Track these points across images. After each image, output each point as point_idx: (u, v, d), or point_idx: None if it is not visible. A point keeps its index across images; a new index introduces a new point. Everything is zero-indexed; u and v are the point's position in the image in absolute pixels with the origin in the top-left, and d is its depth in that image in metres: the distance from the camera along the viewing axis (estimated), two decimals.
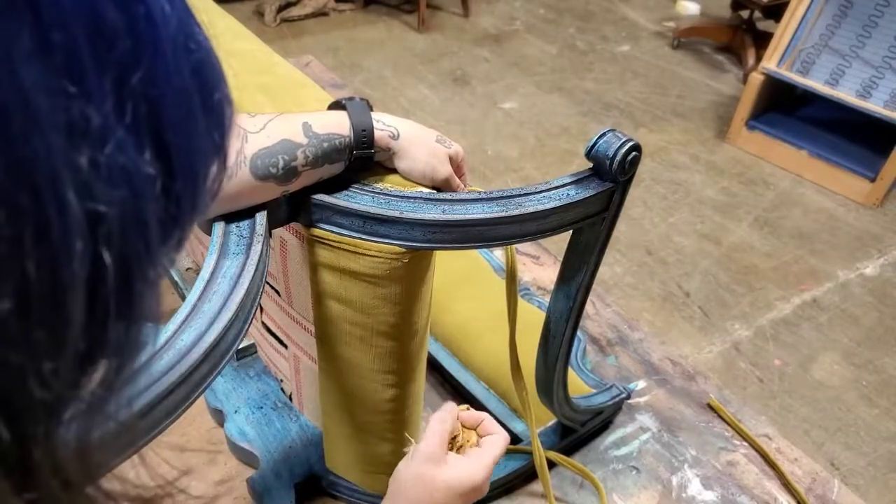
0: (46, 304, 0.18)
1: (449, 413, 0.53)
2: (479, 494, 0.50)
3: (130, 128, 0.19)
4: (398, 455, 0.71)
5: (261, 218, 0.51)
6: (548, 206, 0.52)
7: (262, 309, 0.78)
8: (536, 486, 0.79)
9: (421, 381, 0.68)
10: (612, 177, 0.53)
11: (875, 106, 2.28)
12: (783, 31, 2.42)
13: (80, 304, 0.19)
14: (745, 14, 3.17)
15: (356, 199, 0.52)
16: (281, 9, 3.41)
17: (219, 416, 0.81)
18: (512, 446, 0.79)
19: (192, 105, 0.21)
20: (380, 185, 0.54)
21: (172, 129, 0.20)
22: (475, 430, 0.55)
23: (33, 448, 0.19)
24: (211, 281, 0.45)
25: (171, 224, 0.22)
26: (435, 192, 0.55)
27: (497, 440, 0.54)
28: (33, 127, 0.16)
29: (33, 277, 0.17)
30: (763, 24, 3.17)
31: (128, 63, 0.19)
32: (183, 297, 0.86)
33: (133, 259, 0.20)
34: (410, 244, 0.52)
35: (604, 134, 0.52)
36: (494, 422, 0.55)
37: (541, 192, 0.53)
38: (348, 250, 0.53)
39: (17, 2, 0.16)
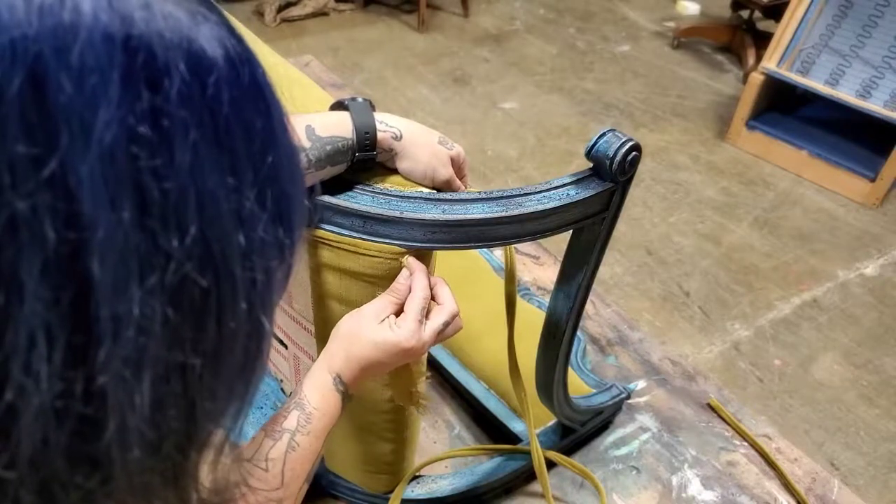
0: (219, 357, 0.23)
1: (402, 285, 0.52)
2: (412, 356, 0.51)
3: (269, 208, 0.23)
4: (398, 455, 0.71)
5: None
6: (548, 206, 0.52)
7: None
8: (536, 486, 0.79)
9: (421, 381, 0.68)
10: (612, 177, 0.53)
11: (875, 106, 2.28)
12: (783, 31, 2.42)
13: (241, 354, 0.24)
14: (745, 14, 3.17)
15: (356, 199, 0.52)
16: (281, 9, 3.41)
17: None
18: (512, 446, 0.79)
19: (297, 173, 0.26)
20: (380, 186, 0.54)
21: (288, 199, 0.25)
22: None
23: (191, 470, 0.24)
24: None
25: (289, 274, 0.26)
26: (435, 192, 0.55)
27: (438, 311, 0.52)
28: (217, 215, 0.21)
29: (211, 334, 0.22)
30: (763, 24, 3.17)
31: (260, 155, 0.23)
32: None
33: (269, 312, 0.25)
34: (410, 244, 0.52)
35: (604, 134, 0.52)
36: (446, 290, 0.53)
37: (541, 192, 0.53)
38: (348, 250, 0.53)
39: (206, 121, 0.20)
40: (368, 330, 0.50)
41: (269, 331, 0.25)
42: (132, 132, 0.18)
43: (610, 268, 2.07)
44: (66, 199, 0.18)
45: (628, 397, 0.87)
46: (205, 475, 0.25)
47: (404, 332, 0.49)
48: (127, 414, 0.20)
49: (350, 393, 0.51)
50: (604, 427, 0.86)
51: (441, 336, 0.52)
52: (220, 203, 0.21)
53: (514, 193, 0.52)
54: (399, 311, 0.52)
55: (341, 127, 0.51)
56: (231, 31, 0.23)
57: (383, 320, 0.50)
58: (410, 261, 0.53)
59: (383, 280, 0.54)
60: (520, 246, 1.11)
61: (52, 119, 0.17)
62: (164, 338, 0.20)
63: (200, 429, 0.23)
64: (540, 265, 1.10)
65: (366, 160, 0.53)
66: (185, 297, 0.20)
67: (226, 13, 0.24)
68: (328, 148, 0.50)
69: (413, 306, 0.51)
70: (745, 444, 0.86)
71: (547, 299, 0.76)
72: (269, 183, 0.23)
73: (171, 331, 0.20)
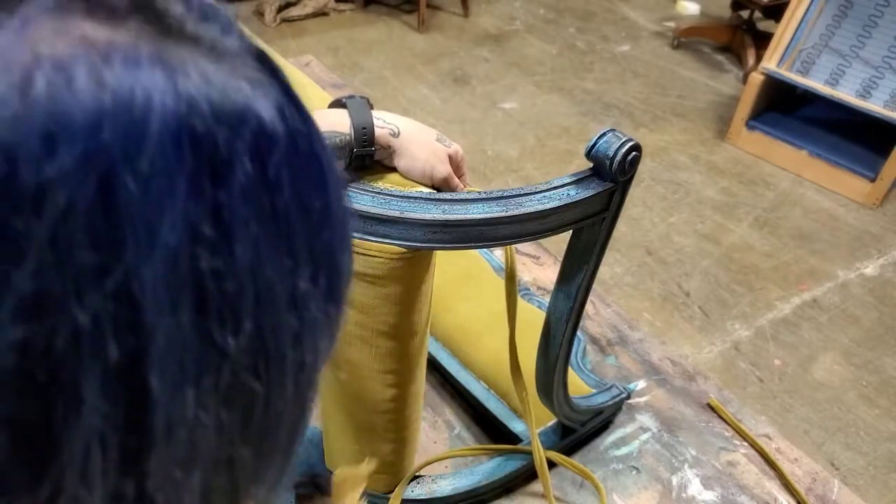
0: (265, 441, 0.22)
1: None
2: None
3: (322, 285, 0.22)
4: (398, 455, 0.71)
5: None
6: (548, 206, 0.52)
7: None
8: (536, 486, 0.79)
9: (421, 381, 0.68)
10: (612, 177, 0.53)
11: (875, 106, 2.28)
12: (783, 31, 2.42)
13: (286, 433, 0.23)
14: (745, 14, 3.17)
15: (356, 199, 0.52)
16: (281, 9, 3.41)
17: None
18: (512, 446, 0.79)
19: (349, 243, 0.25)
20: (380, 185, 0.54)
21: (339, 271, 0.24)
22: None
23: None
24: None
25: (334, 345, 0.26)
26: (435, 192, 0.55)
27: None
28: (272, 303, 0.20)
29: (258, 422, 0.21)
30: (763, 24, 3.17)
31: (317, 232, 0.22)
32: None
33: (315, 388, 0.25)
34: (410, 244, 0.52)
35: (604, 134, 0.52)
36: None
37: (541, 192, 0.52)
38: None
39: (266, 210, 0.19)
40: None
41: (311, 407, 0.25)
42: (196, 232, 0.17)
43: (610, 268, 2.07)
44: (128, 306, 0.17)
45: (628, 397, 0.87)
46: None
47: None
48: None
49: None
50: (604, 427, 0.86)
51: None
52: (275, 290, 0.20)
53: (514, 193, 0.52)
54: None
55: (339, 123, 0.51)
56: (288, 93, 0.21)
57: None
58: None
59: (383, 280, 0.54)
60: (520, 246, 1.10)
61: (118, 226, 0.16)
62: (216, 436, 0.20)
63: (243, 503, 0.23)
64: (540, 265, 1.10)
65: (364, 157, 0.53)
66: (237, 394, 0.20)
67: (280, 63, 0.22)
68: None
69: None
70: (745, 444, 0.86)
71: (547, 299, 0.76)
72: (324, 259, 0.22)
73: (223, 428, 0.20)
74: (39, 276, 0.16)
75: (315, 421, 0.79)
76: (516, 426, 0.82)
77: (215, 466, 0.20)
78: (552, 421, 0.81)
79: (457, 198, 0.52)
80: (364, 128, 0.52)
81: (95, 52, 0.17)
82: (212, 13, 0.20)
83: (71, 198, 0.16)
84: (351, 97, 0.54)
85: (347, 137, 0.52)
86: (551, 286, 0.73)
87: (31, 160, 0.15)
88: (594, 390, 0.85)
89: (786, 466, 0.82)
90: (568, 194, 0.53)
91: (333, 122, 0.51)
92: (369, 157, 0.53)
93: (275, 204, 0.19)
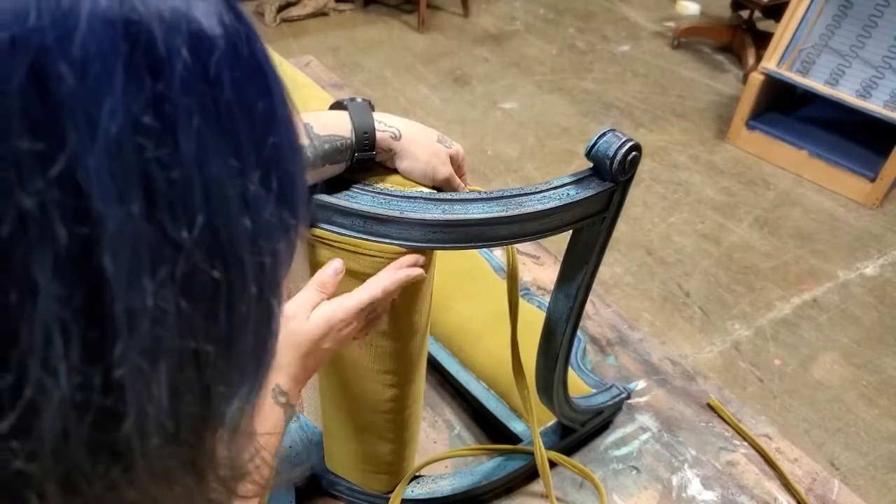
0: (232, 342, 0.23)
1: (330, 278, 0.51)
2: (341, 333, 0.51)
3: (274, 189, 0.23)
4: (398, 455, 0.71)
5: None
6: (548, 206, 0.52)
7: None
8: (536, 486, 0.79)
9: (421, 381, 0.68)
10: (612, 177, 0.53)
11: (875, 106, 2.28)
12: (783, 31, 2.42)
13: (252, 337, 0.24)
14: (745, 14, 3.17)
15: (356, 199, 0.52)
16: (281, 9, 3.41)
17: None
18: (512, 446, 0.79)
19: (298, 151, 0.25)
20: (380, 185, 0.54)
21: (290, 179, 0.24)
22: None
23: (208, 452, 0.24)
24: None
25: (293, 253, 0.26)
26: (435, 192, 0.55)
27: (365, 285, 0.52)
28: (223, 202, 0.21)
29: (223, 321, 0.22)
30: (763, 24, 3.17)
31: (262, 136, 0.22)
32: None
33: (277, 293, 0.25)
34: (410, 244, 0.52)
35: (604, 134, 0.52)
36: (389, 271, 0.52)
37: (541, 192, 0.53)
38: (348, 250, 0.53)
39: (209, 105, 0.20)
40: (303, 323, 0.50)
41: (278, 312, 0.25)
42: (137, 122, 0.18)
43: (610, 268, 2.07)
44: (74, 194, 0.17)
45: (628, 397, 0.87)
46: (221, 452, 0.25)
47: (315, 320, 0.50)
48: (145, 403, 0.20)
49: (292, 402, 0.50)
50: (604, 427, 0.86)
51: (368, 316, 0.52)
52: (225, 189, 0.21)
53: (514, 193, 0.52)
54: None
55: (340, 126, 0.51)
56: (228, 1, 0.22)
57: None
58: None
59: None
60: (520, 246, 1.11)
61: (57, 113, 0.17)
62: (178, 327, 0.20)
63: (215, 412, 0.23)
64: (540, 265, 1.10)
65: (365, 160, 0.53)
66: (196, 286, 0.21)
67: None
68: (326, 147, 0.50)
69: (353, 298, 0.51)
70: (745, 444, 0.86)
71: (547, 299, 0.76)
72: (273, 164, 0.23)
73: (184, 320, 0.20)
74: None
75: (315, 421, 0.79)
76: (516, 426, 0.82)
77: (182, 360, 0.21)
78: (552, 421, 0.81)
79: (457, 198, 0.52)
80: (366, 132, 0.52)
81: None
82: None
83: (1, 84, 0.16)
84: (352, 99, 0.53)
85: (349, 141, 0.51)
86: (551, 286, 0.73)
87: None
88: (594, 390, 0.85)
89: (786, 466, 0.82)
90: (568, 194, 0.53)
91: (334, 126, 0.51)
92: (370, 160, 0.53)
93: (217, 100, 0.20)
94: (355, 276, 0.54)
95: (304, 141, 0.49)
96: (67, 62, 0.17)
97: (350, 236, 0.52)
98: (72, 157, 0.17)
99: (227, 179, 0.21)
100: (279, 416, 0.48)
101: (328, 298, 0.52)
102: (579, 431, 0.82)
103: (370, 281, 0.52)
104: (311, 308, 0.51)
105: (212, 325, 0.22)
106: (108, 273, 0.18)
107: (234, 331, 0.23)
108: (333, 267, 0.52)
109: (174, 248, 0.19)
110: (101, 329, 0.19)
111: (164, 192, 0.19)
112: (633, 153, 0.52)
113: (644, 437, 0.86)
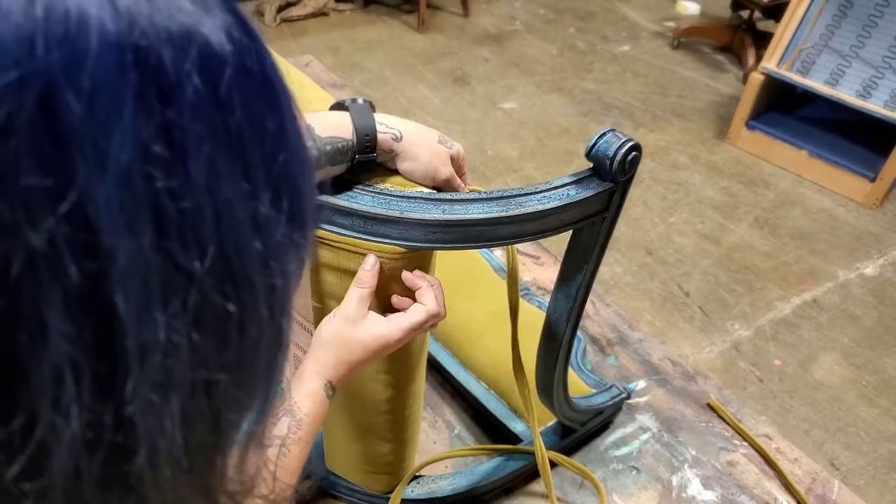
0: (243, 366, 0.22)
1: (367, 273, 0.53)
2: (389, 349, 0.53)
3: (284, 209, 0.22)
4: (398, 455, 0.71)
5: None
6: (548, 206, 0.52)
7: None
8: (536, 486, 0.79)
9: (421, 381, 0.68)
10: (612, 177, 0.53)
11: (875, 106, 2.28)
12: (783, 31, 2.42)
13: (263, 360, 0.23)
14: (745, 14, 3.17)
15: (357, 200, 0.52)
16: (281, 9, 3.41)
17: None
18: (512, 446, 0.79)
19: (308, 167, 0.25)
20: (381, 186, 0.54)
21: (300, 196, 0.24)
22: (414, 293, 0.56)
23: (218, 475, 0.24)
24: None
25: (303, 270, 0.26)
26: (435, 192, 0.54)
27: (416, 309, 0.53)
28: (234, 227, 0.20)
29: (234, 346, 0.21)
30: (763, 24, 3.17)
31: (272, 154, 0.22)
32: None
33: (288, 313, 0.25)
34: (410, 244, 0.52)
35: (604, 134, 0.52)
36: (430, 292, 0.54)
37: (541, 192, 0.52)
38: (349, 250, 0.53)
39: (219, 129, 0.19)
40: (360, 332, 0.52)
41: (288, 333, 0.25)
42: (147, 151, 0.17)
43: (610, 268, 2.07)
44: (84, 228, 0.17)
45: (628, 397, 0.87)
46: (230, 471, 0.25)
47: (395, 329, 0.52)
48: (157, 437, 0.20)
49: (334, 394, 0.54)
50: (604, 427, 0.86)
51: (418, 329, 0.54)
52: (236, 213, 0.20)
53: (514, 193, 0.52)
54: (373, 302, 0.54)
55: (341, 127, 0.51)
56: (236, 14, 0.21)
57: (366, 318, 0.53)
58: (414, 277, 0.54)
59: (383, 280, 0.54)
60: (520, 246, 1.11)
61: (65, 146, 0.16)
62: (190, 358, 0.20)
63: (226, 437, 0.23)
64: (540, 265, 1.10)
65: (366, 162, 0.53)
66: (207, 315, 0.20)
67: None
68: (328, 148, 0.50)
69: (415, 314, 0.53)
70: (745, 444, 0.86)
71: (547, 299, 0.76)
72: (283, 182, 0.22)
73: (196, 350, 0.20)
74: None
75: None
76: (516, 426, 0.82)
77: (193, 391, 0.20)
78: (552, 421, 0.81)
79: (457, 198, 0.52)
80: (367, 134, 0.52)
81: None
82: None
83: (9, 120, 0.16)
84: (353, 100, 0.53)
85: (350, 143, 0.51)
86: (551, 286, 0.73)
87: None
88: (594, 390, 0.85)
89: (786, 466, 0.82)
90: (568, 194, 0.53)
91: (335, 127, 0.51)
92: (371, 161, 0.53)
93: (227, 124, 0.19)
94: (354, 277, 0.54)
95: (309, 143, 0.49)
96: (76, 92, 0.16)
97: (350, 236, 0.52)
98: (81, 192, 0.17)
99: (237, 203, 0.20)
100: (325, 405, 0.52)
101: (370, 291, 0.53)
102: (579, 431, 0.82)
103: (419, 303, 0.54)
104: (366, 306, 0.53)
105: (223, 352, 0.21)
106: (119, 308, 0.18)
107: (246, 355, 0.22)
108: (370, 262, 0.53)
109: (186, 279, 0.19)
110: (112, 365, 0.18)
111: (174, 221, 0.18)
112: (633, 153, 0.52)
113: (644, 437, 0.86)
